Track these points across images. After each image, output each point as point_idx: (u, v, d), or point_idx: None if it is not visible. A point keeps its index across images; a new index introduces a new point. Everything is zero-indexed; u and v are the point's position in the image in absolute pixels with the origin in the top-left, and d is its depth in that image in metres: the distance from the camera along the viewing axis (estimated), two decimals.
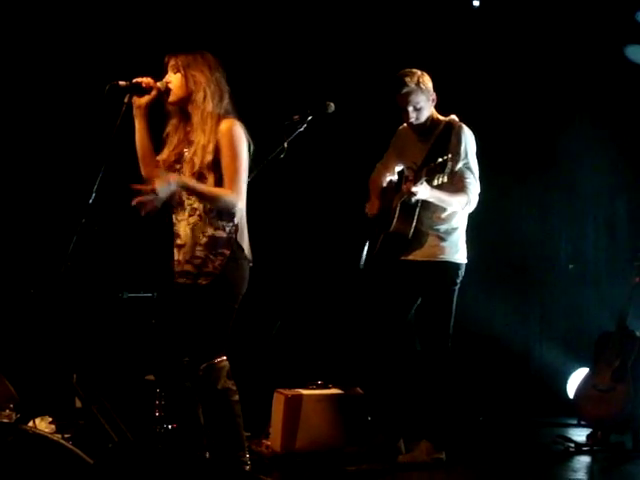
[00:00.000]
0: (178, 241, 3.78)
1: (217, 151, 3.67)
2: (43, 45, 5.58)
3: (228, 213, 3.69)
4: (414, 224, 4.57)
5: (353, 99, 5.64)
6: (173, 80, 3.72)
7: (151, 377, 4.69)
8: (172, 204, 3.78)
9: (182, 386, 3.79)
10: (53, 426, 4.65)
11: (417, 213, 4.56)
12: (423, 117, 4.62)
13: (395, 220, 4.59)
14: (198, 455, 3.76)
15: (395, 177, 4.90)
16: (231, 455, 3.69)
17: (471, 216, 4.72)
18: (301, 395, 4.79)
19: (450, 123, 4.64)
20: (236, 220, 3.72)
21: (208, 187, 3.67)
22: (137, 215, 3.61)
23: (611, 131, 6.17)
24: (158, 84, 3.71)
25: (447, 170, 4.27)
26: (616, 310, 5.29)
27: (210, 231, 3.71)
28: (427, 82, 4.60)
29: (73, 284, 3.81)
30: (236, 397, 3.71)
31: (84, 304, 5.35)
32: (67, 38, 5.59)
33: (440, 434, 4.63)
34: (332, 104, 4.41)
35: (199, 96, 3.69)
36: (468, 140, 4.59)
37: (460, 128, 4.60)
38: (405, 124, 4.76)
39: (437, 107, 4.68)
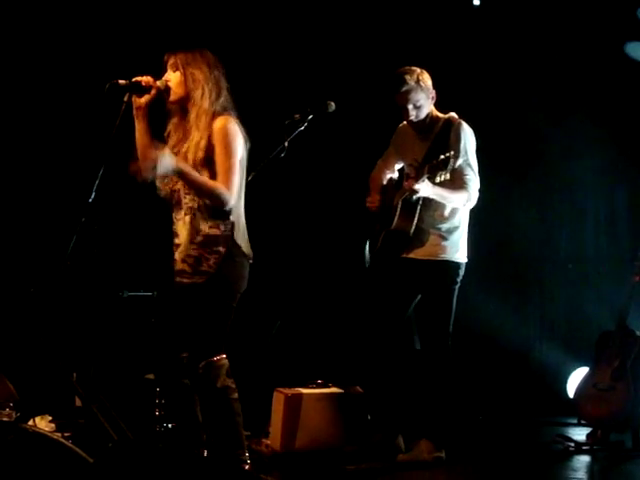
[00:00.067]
0: (176, 240, 3.78)
1: (210, 148, 3.66)
2: (43, 44, 5.58)
3: (223, 211, 3.68)
4: (415, 221, 4.57)
5: (353, 98, 5.64)
6: (172, 78, 3.72)
7: (151, 376, 4.70)
8: (172, 202, 3.78)
9: (180, 384, 3.79)
10: (53, 425, 4.65)
11: (418, 210, 4.56)
12: (423, 115, 4.62)
13: (396, 217, 4.59)
14: (197, 454, 3.76)
15: (395, 175, 4.91)
16: (230, 453, 3.69)
17: (471, 215, 4.72)
18: (301, 394, 4.78)
19: (449, 120, 4.65)
20: (232, 218, 3.71)
21: (204, 178, 3.65)
22: (136, 215, 3.61)
23: (611, 129, 6.17)
24: (158, 83, 3.70)
25: (449, 167, 4.28)
26: (616, 309, 5.29)
27: (205, 229, 3.70)
28: (426, 80, 4.60)
29: (73, 283, 3.80)
30: (235, 395, 3.71)
31: (84, 303, 5.35)
32: (67, 37, 5.58)
33: (440, 433, 4.63)
34: (333, 103, 4.41)
35: (197, 94, 3.69)
36: (467, 137, 4.60)
37: (459, 125, 4.60)
38: (405, 122, 4.76)
39: (437, 104, 4.69)
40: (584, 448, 5.01)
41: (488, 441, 5.34)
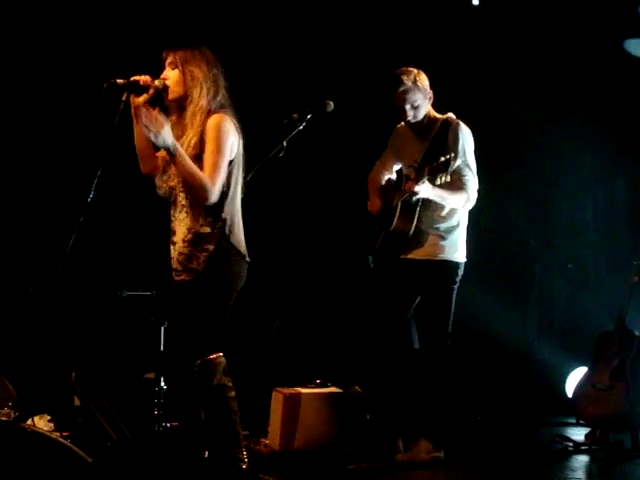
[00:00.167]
0: (174, 238, 3.79)
1: (201, 146, 3.65)
2: (41, 44, 5.57)
3: (215, 209, 3.66)
4: (415, 223, 4.57)
5: (352, 97, 5.64)
6: (171, 76, 3.72)
7: (150, 375, 4.69)
8: (170, 200, 3.78)
9: (186, 384, 3.79)
10: (52, 424, 4.64)
11: (418, 212, 4.56)
12: (420, 115, 4.62)
13: (396, 219, 4.59)
14: (196, 453, 3.76)
15: (394, 176, 4.91)
16: (228, 452, 3.68)
17: (470, 215, 4.72)
18: (300, 394, 4.78)
19: (447, 121, 4.65)
20: (224, 215, 3.70)
21: (194, 167, 3.60)
22: (135, 214, 3.61)
23: (612, 127, 6.17)
24: (156, 82, 3.70)
25: (450, 169, 4.29)
26: (615, 309, 5.29)
27: (196, 227, 3.70)
28: (424, 80, 4.60)
29: (72, 282, 3.80)
30: (232, 394, 3.70)
31: (83, 302, 5.34)
32: (65, 36, 5.58)
33: (439, 433, 4.63)
34: (331, 102, 4.41)
35: (195, 92, 3.68)
36: (466, 137, 4.60)
37: (457, 125, 4.60)
38: (402, 122, 4.76)
39: (435, 105, 4.69)
40: (583, 448, 5.01)
41: (487, 441, 5.33)
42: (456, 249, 4.65)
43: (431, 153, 4.52)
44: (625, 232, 6.33)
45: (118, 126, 3.58)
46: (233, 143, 3.69)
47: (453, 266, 4.65)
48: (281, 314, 5.83)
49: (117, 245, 5.58)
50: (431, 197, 4.47)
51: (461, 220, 4.68)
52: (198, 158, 3.65)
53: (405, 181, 4.60)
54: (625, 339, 5.15)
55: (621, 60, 6.03)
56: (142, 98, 3.69)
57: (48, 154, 5.61)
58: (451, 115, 4.69)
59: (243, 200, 3.82)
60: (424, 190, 4.40)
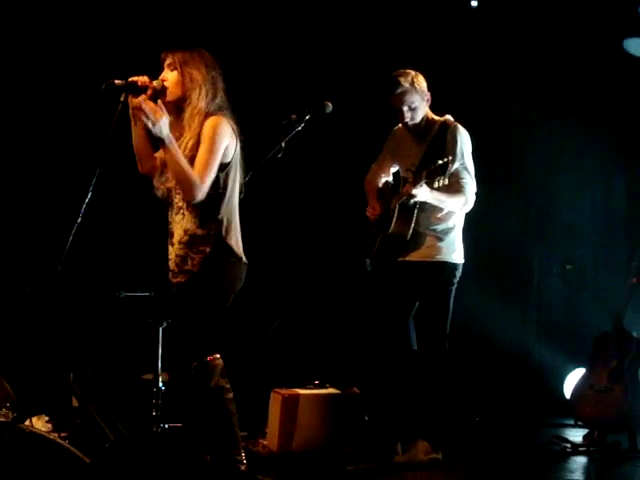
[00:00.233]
0: (171, 240, 3.78)
1: (197, 147, 3.65)
2: (39, 44, 5.58)
3: (211, 210, 3.66)
4: (413, 226, 4.57)
5: (350, 99, 5.64)
6: (169, 78, 3.71)
7: (148, 376, 4.69)
8: (168, 202, 3.78)
9: (189, 386, 3.79)
10: (50, 425, 4.65)
11: (416, 215, 4.56)
12: (418, 117, 4.62)
13: (394, 222, 4.59)
14: (195, 455, 3.76)
15: (390, 178, 4.90)
16: (226, 454, 3.68)
17: (468, 216, 4.72)
18: (298, 395, 4.78)
19: (445, 123, 4.64)
20: (220, 217, 3.69)
21: (186, 163, 3.59)
22: (133, 215, 3.61)
23: (610, 128, 6.17)
24: (154, 83, 3.69)
25: (448, 172, 4.28)
26: (613, 311, 5.29)
27: (192, 229, 3.70)
28: (421, 82, 4.60)
29: (70, 283, 3.80)
30: (230, 395, 3.69)
31: (81, 303, 5.34)
32: (63, 37, 5.58)
33: (437, 434, 4.63)
34: (330, 104, 4.41)
35: (194, 94, 3.67)
36: (464, 140, 4.60)
37: (455, 128, 4.60)
38: (400, 125, 4.75)
39: (433, 107, 4.69)
40: (581, 449, 5.01)
41: (485, 442, 5.33)
42: (453, 250, 4.65)
43: (429, 156, 4.52)
44: (623, 234, 6.33)
45: (116, 127, 3.57)
46: (228, 146, 3.68)
47: (450, 267, 4.65)
48: (279, 315, 5.83)
49: (115, 246, 5.58)
50: (429, 200, 4.47)
51: (458, 221, 4.68)
52: (194, 159, 3.64)
53: (403, 184, 4.60)
54: (623, 340, 5.16)
55: (621, 60, 6.03)
56: (140, 99, 3.69)
57: (46, 155, 5.61)
58: (449, 117, 4.68)
59: (241, 201, 3.82)
60: (422, 193, 4.40)
